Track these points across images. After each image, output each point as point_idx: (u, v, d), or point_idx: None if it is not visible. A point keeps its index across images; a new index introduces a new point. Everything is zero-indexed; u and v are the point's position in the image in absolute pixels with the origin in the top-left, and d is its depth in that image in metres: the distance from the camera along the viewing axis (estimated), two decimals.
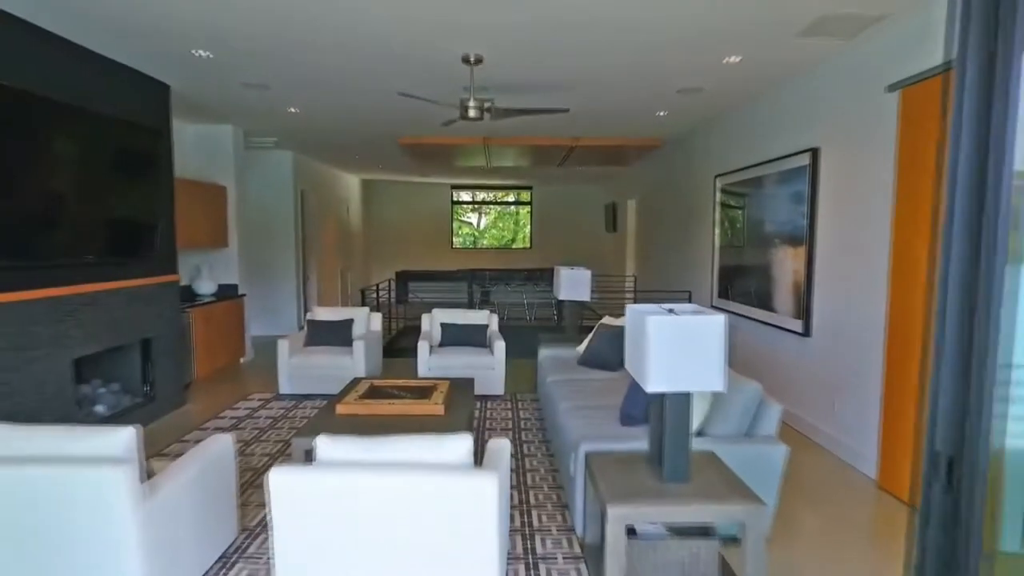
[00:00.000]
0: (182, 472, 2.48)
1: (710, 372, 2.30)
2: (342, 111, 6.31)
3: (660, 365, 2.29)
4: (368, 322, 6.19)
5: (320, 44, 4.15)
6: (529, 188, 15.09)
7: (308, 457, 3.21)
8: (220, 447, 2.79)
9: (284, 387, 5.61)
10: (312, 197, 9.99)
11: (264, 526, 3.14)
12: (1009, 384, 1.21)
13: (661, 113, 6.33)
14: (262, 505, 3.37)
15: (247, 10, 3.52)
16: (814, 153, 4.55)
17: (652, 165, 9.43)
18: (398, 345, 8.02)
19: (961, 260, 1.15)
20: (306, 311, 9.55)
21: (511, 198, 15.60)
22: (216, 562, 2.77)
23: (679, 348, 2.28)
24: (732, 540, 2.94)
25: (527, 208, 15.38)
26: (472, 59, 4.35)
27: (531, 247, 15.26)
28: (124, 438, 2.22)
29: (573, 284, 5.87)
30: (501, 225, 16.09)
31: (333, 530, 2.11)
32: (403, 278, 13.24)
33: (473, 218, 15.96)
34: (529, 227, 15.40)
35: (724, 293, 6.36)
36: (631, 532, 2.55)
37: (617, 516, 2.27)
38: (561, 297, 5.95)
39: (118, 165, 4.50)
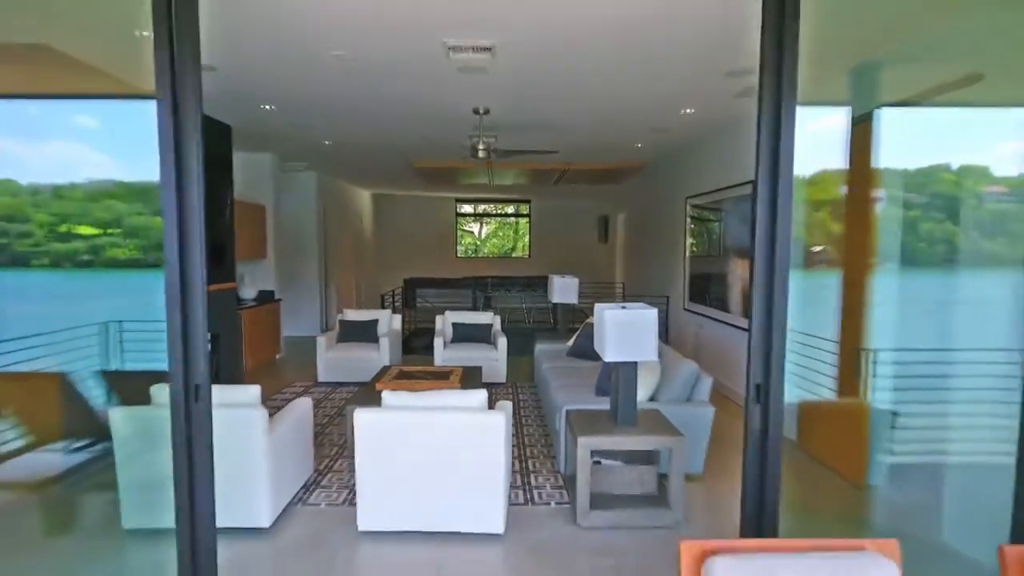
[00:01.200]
0: (283, 420, 3.57)
1: (646, 348, 3.40)
2: (368, 143, 7.44)
3: (614, 342, 3.40)
4: (390, 322, 7.29)
5: (365, 106, 5.28)
6: (528, 201, 16.21)
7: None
8: (303, 407, 3.89)
9: (322, 376, 6.70)
10: (332, 212, 11.11)
11: (329, 468, 4.22)
12: (786, 339, 2.35)
13: (639, 145, 7.46)
14: (325, 456, 4.46)
15: (313, 83, 4.64)
16: (753, 184, 5.66)
17: (637, 183, 10.55)
18: (411, 344, 9.11)
19: (762, 266, 2.29)
20: (326, 314, 10.64)
21: (511, 210, 16.72)
22: (300, 488, 3.86)
23: (625, 331, 3.39)
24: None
25: (526, 219, 16.50)
26: (481, 111, 5.48)
27: (529, 256, 16.36)
28: (254, 392, 3.32)
29: (564, 290, 6.98)
30: (501, 235, 17.21)
31: (393, 451, 3.20)
32: (411, 284, 14.34)
33: (475, 227, 17.07)
34: (528, 237, 16.51)
35: (694, 298, 7.47)
36: (596, 462, 3.64)
37: (584, 444, 3.37)
38: (554, 301, 7.05)
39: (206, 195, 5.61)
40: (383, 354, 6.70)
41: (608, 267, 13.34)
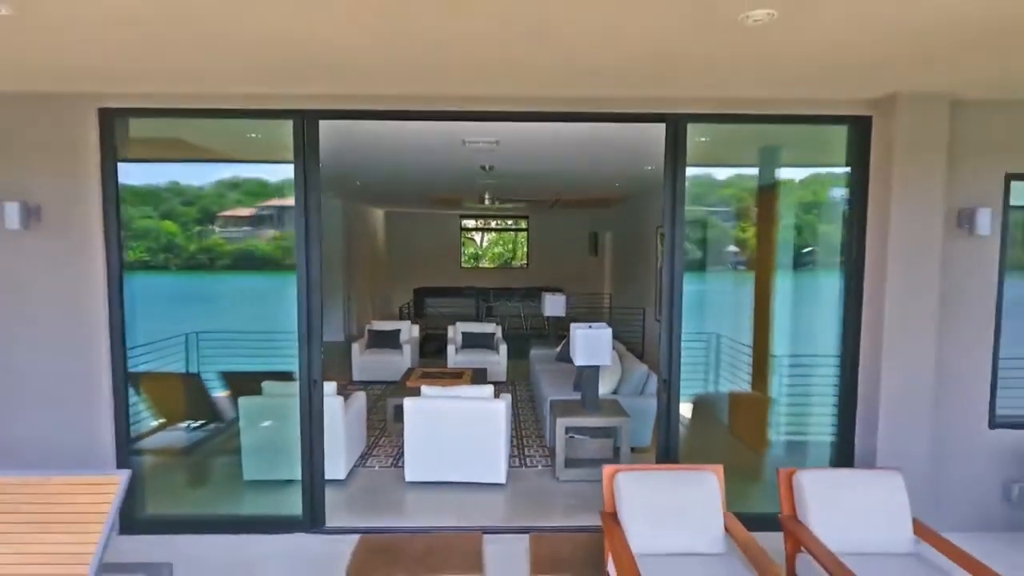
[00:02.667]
0: (351, 406, 5.07)
1: (603, 356, 4.90)
2: (393, 184, 8.94)
3: (582, 352, 4.89)
4: (410, 331, 8.78)
5: (396, 167, 6.78)
6: (526, 217, 17.70)
7: (396, 410, 5.80)
8: (360, 399, 5.38)
9: (356, 375, 8.19)
10: (353, 232, 12.61)
11: (376, 444, 5.71)
12: (682, 342, 3.90)
13: (616, 184, 8.97)
14: (371, 436, 5.95)
15: (364, 158, 6.14)
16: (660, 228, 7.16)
17: (620, 210, 12.06)
18: (425, 348, 10.59)
19: (667, 297, 3.88)
20: (348, 322, 12.14)
21: (511, 223, 18.22)
22: (359, 456, 5.35)
23: (589, 344, 4.88)
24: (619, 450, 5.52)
25: (524, 233, 18.00)
26: (487, 167, 6.99)
27: (528, 266, 17.85)
28: (332, 386, 4.81)
29: (554, 305, 8.48)
30: (502, 245, 18.70)
31: (430, 426, 4.70)
32: (420, 294, 15.85)
33: (476, 236, 18.54)
34: (526, 248, 18.01)
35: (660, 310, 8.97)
36: (570, 436, 5.13)
37: (561, 423, 4.87)
38: (546, 314, 8.56)
39: None
40: (406, 358, 8.20)
41: (598, 278, 14.84)
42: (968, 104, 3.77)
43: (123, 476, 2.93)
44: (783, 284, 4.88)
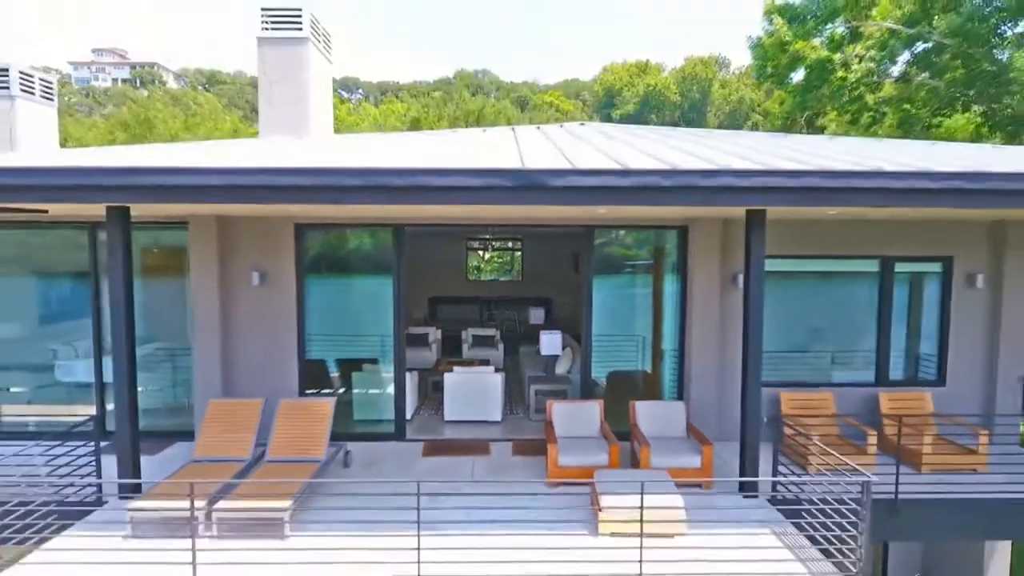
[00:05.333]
0: (409, 380, 8.77)
1: (557, 348, 8.63)
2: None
3: (545, 346, 8.62)
4: (435, 334, 12.47)
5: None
6: (520, 239, 21.38)
7: (433, 384, 9.51)
8: (415, 376, 9.07)
9: None
10: None
11: (422, 404, 9.41)
12: (593, 340, 7.72)
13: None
14: (418, 399, 9.66)
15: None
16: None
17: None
18: (445, 347, 14.25)
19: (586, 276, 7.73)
20: None
21: (509, 243, 21.90)
22: (415, 409, 9.05)
23: (550, 341, 8.61)
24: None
25: (519, 252, 21.69)
26: (488, 230, 10.69)
27: (522, 280, 21.52)
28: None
29: (536, 315, 12.18)
30: (499, 260, 22.38)
31: (459, 390, 8.41)
32: (434, 302, 19.52)
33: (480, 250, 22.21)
34: (520, 265, 21.70)
35: None
36: (538, 395, 8.84)
37: (533, 388, 8.62)
38: (531, 322, 12.26)
39: None
40: (433, 353, 11.89)
41: (578, 292, 18.52)
42: (730, 221, 7.47)
43: (331, 402, 6.63)
44: (656, 304, 8.58)
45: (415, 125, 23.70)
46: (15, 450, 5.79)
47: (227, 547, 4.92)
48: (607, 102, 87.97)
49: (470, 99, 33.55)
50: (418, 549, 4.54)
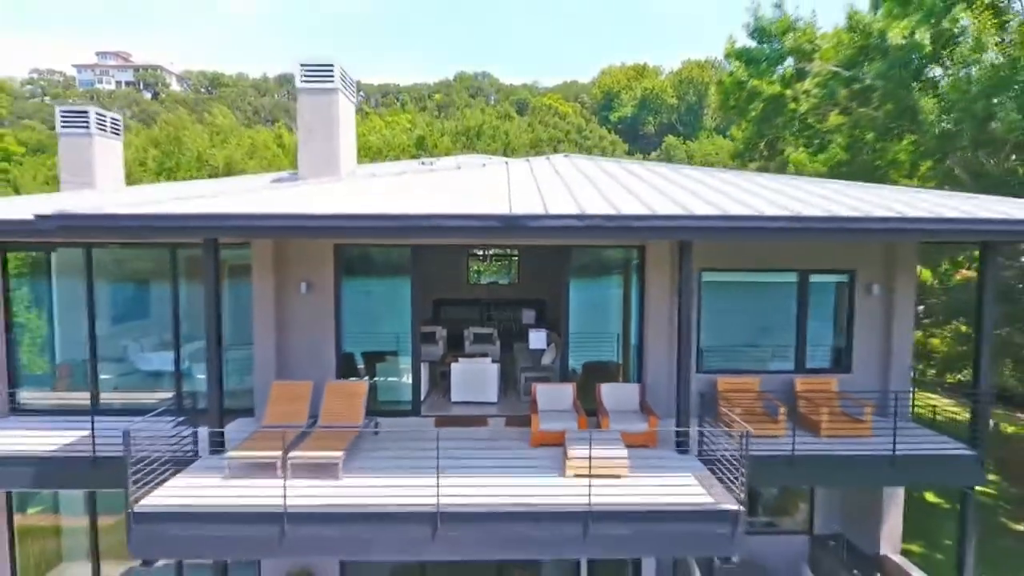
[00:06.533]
0: (423, 369, 10.77)
1: (542, 342, 10.64)
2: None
3: (533, 341, 10.64)
4: (442, 332, 14.46)
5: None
6: (516, 245, 23.34)
7: (440, 374, 11.51)
8: (426, 366, 11.06)
9: None
10: None
11: (432, 389, 11.41)
12: (570, 336, 9.75)
13: None
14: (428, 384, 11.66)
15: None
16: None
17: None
18: (450, 343, 16.24)
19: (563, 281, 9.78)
20: None
21: (507, 250, 23.86)
22: (427, 392, 11.04)
23: (537, 338, 10.61)
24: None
25: (516, 258, 23.66)
26: (485, 253, 12.66)
27: (519, 282, 23.49)
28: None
29: (528, 316, 14.17)
30: (497, 265, 24.36)
31: (463, 375, 10.41)
32: (438, 303, 21.49)
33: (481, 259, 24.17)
34: (516, 269, 23.67)
35: None
36: (527, 380, 10.84)
37: (523, 375, 10.62)
38: (523, 322, 14.25)
39: None
40: (440, 348, 13.89)
41: None
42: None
43: (366, 383, 8.63)
44: (626, 305, 10.57)
45: (420, 142, 25.74)
46: (121, 423, 7.79)
47: (298, 484, 6.90)
48: (605, 104, 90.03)
49: (470, 115, 35.61)
50: (437, 487, 6.51)
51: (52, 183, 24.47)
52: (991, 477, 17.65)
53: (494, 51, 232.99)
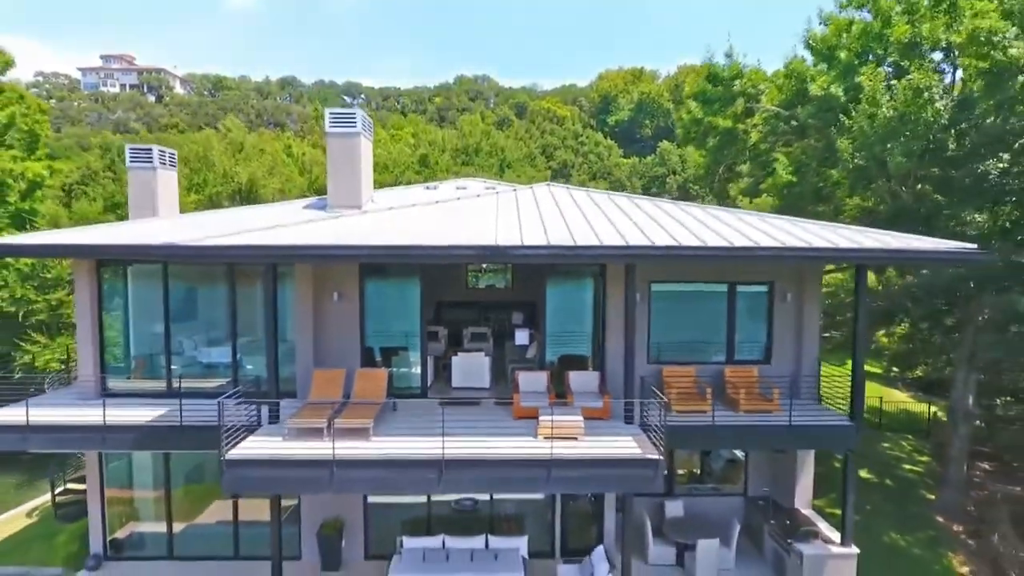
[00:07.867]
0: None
1: (525, 339, 13.15)
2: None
3: (518, 338, 13.15)
4: (444, 331, 16.97)
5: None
6: None
7: (443, 367, 14.03)
8: (432, 360, 13.56)
9: None
10: None
11: (437, 377, 13.93)
12: (547, 337, 12.36)
13: None
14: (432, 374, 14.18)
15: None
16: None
17: None
18: (450, 340, 18.73)
19: (541, 293, 12.34)
20: None
21: None
22: (432, 380, 13.56)
23: (521, 335, 13.13)
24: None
25: (510, 265, 26.13)
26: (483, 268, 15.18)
27: (512, 287, 26.00)
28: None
29: (517, 318, 16.68)
30: (494, 271, 26.86)
31: (462, 365, 12.92)
32: (440, 305, 23.98)
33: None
34: (510, 275, 26.17)
35: None
36: (514, 370, 13.35)
37: (511, 366, 13.14)
38: (513, 323, 16.76)
39: None
40: (442, 344, 16.39)
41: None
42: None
43: (387, 370, 11.15)
44: (596, 309, 13.08)
45: (423, 160, 28.11)
46: (191, 403, 10.31)
47: (339, 443, 9.40)
48: (602, 108, 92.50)
49: (468, 130, 38.17)
50: (443, 444, 9.01)
51: (68, 191, 26.21)
52: (922, 459, 20.23)
53: (494, 52, 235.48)
